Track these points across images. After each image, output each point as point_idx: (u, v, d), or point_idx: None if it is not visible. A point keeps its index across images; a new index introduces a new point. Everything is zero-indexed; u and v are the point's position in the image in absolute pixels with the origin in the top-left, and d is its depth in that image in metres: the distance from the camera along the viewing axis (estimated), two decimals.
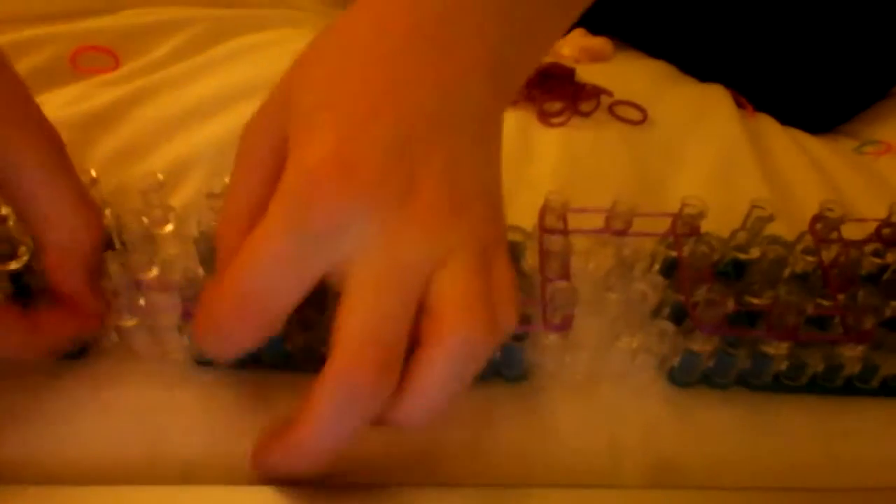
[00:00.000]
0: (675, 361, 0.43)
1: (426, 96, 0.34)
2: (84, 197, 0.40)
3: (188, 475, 0.41)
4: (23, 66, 0.64)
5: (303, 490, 0.38)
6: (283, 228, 0.32)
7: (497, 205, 0.37)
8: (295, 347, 0.43)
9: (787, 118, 0.64)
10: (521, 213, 0.47)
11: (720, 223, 0.48)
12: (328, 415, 0.33)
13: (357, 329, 0.33)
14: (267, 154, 0.36)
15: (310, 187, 0.32)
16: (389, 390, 0.33)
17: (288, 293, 0.33)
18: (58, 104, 0.60)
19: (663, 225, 0.48)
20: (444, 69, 0.35)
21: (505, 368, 0.43)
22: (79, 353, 0.44)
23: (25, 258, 0.44)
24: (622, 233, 0.46)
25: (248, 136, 0.37)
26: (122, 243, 0.47)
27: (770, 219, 0.46)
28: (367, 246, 0.32)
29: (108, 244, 0.47)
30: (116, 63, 0.65)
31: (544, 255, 0.43)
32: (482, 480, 0.41)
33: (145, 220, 0.44)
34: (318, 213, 0.32)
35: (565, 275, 0.42)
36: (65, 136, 0.57)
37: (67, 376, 0.43)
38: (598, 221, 0.48)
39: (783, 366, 0.44)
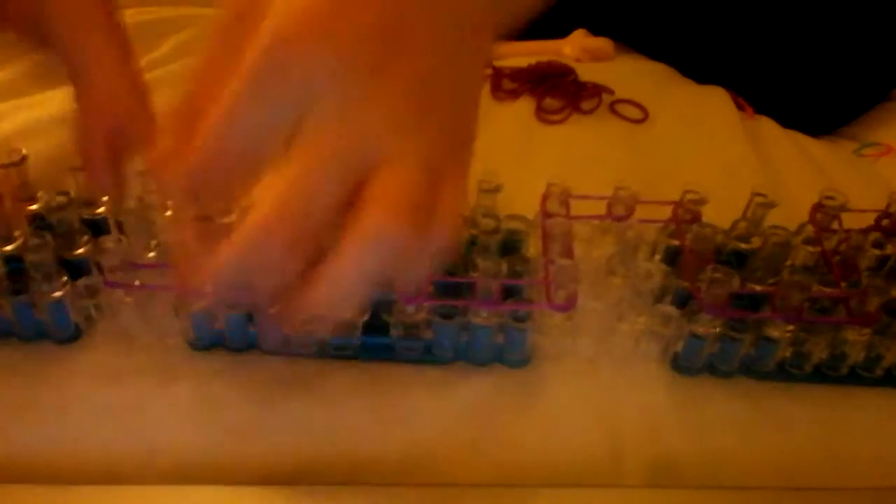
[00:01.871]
0: (679, 347, 0.43)
1: None
2: (134, 76, 0.43)
3: (185, 473, 0.40)
4: (25, 63, 0.64)
5: (303, 490, 0.38)
6: (256, 70, 0.31)
7: (464, 130, 0.36)
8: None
9: (788, 120, 0.64)
10: (523, 205, 0.47)
11: (719, 222, 0.48)
12: (235, 259, 0.32)
13: (285, 188, 0.32)
14: (246, 29, 0.34)
15: (288, 34, 0.31)
16: (300, 255, 0.32)
17: (256, 140, 0.32)
18: (60, 101, 0.60)
19: (665, 214, 0.47)
20: None
21: (508, 352, 0.43)
22: (72, 338, 0.43)
23: (20, 241, 0.44)
24: (624, 218, 0.46)
25: (229, 12, 0.36)
26: (119, 226, 0.46)
27: (771, 205, 0.46)
28: (327, 107, 0.31)
29: (105, 228, 0.47)
30: None
31: (546, 238, 0.43)
32: (481, 480, 0.40)
33: (143, 199, 0.44)
34: (291, 60, 0.31)
35: (568, 254, 0.42)
36: (66, 130, 0.57)
37: (61, 373, 0.43)
38: (599, 210, 0.47)
39: (787, 353, 0.43)
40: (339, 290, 0.33)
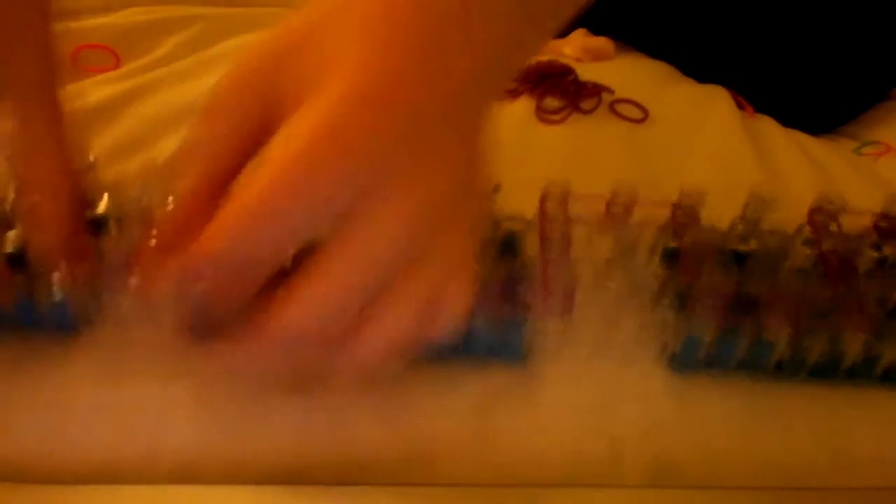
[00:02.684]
0: (676, 348, 0.43)
1: (441, 84, 0.32)
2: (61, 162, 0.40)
3: (185, 473, 0.40)
4: None
5: (303, 490, 0.38)
6: (273, 187, 0.31)
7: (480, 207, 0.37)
8: None
9: (788, 119, 0.64)
10: (522, 206, 0.47)
11: (720, 221, 0.47)
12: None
13: (309, 305, 0.33)
14: (254, 109, 0.34)
15: (312, 153, 0.30)
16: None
17: (267, 257, 0.33)
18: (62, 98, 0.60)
19: (664, 215, 0.47)
20: (459, 57, 0.33)
21: (505, 353, 0.43)
22: (72, 333, 0.44)
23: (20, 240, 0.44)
24: (622, 219, 0.46)
25: (231, 87, 0.35)
26: (119, 226, 0.46)
27: (770, 208, 0.46)
28: (349, 227, 0.32)
29: (102, 227, 0.47)
30: (117, 61, 0.65)
31: (545, 240, 0.43)
32: (481, 480, 0.40)
33: (145, 200, 0.44)
34: (313, 180, 0.31)
35: (566, 259, 0.42)
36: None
37: (61, 370, 0.43)
38: (598, 210, 0.47)
39: (785, 355, 0.43)
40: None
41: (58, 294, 0.42)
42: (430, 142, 0.32)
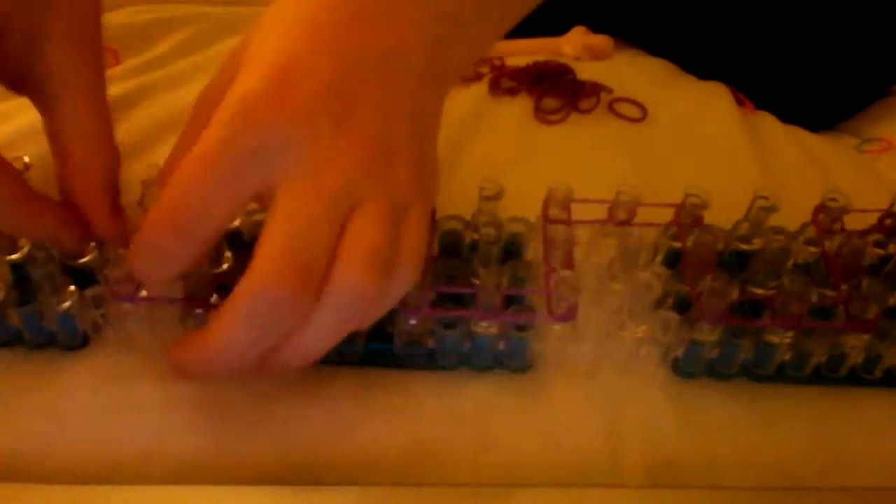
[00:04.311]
0: (679, 352, 0.43)
1: (369, 49, 0.35)
2: (106, 131, 0.44)
3: (185, 473, 0.40)
4: None
5: (303, 490, 0.38)
6: (218, 142, 0.33)
7: (427, 171, 0.38)
8: None
9: (788, 116, 0.64)
10: (523, 207, 0.47)
11: (721, 220, 0.48)
12: (240, 328, 0.34)
13: (279, 243, 0.33)
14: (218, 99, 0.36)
15: (246, 106, 0.33)
16: (304, 308, 0.34)
17: (220, 207, 0.34)
18: None
19: (666, 216, 0.47)
20: (384, 36, 0.36)
21: (509, 359, 0.43)
22: (80, 345, 0.44)
23: (26, 249, 0.44)
24: (625, 223, 0.46)
25: (204, 94, 0.39)
26: None
27: (773, 209, 0.46)
28: (297, 167, 0.33)
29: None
30: (116, 60, 0.65)
31: (548, 244, 0.43)
32: (482, 481, 0.41)
33: (146, 204, 0.44)
34: (252, 129, 0.33)
35: (569, 264, 0.42)
36: None
37: (64, 373, 0.43)
38: (601, 213, 0.48)
39: (787, 356, 0.43)
40: (313, 352, 0.36)
41: (65, 319, 0.42)
42: (356, 87, 0.34)
